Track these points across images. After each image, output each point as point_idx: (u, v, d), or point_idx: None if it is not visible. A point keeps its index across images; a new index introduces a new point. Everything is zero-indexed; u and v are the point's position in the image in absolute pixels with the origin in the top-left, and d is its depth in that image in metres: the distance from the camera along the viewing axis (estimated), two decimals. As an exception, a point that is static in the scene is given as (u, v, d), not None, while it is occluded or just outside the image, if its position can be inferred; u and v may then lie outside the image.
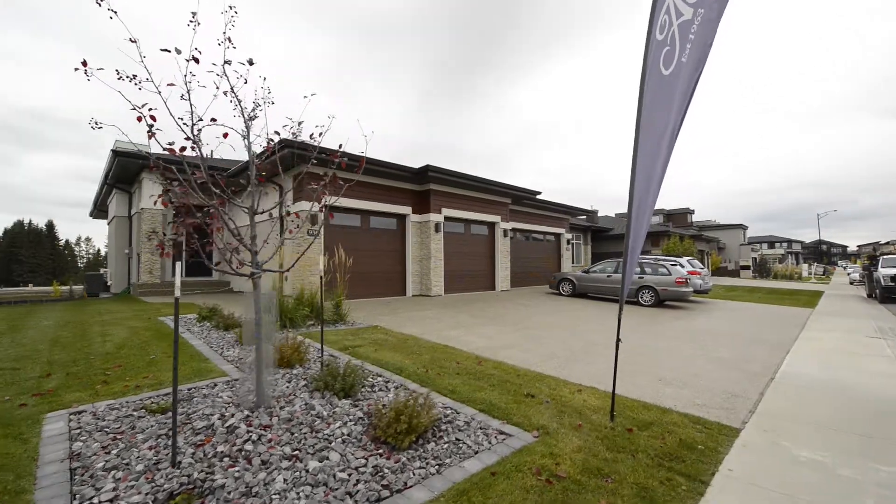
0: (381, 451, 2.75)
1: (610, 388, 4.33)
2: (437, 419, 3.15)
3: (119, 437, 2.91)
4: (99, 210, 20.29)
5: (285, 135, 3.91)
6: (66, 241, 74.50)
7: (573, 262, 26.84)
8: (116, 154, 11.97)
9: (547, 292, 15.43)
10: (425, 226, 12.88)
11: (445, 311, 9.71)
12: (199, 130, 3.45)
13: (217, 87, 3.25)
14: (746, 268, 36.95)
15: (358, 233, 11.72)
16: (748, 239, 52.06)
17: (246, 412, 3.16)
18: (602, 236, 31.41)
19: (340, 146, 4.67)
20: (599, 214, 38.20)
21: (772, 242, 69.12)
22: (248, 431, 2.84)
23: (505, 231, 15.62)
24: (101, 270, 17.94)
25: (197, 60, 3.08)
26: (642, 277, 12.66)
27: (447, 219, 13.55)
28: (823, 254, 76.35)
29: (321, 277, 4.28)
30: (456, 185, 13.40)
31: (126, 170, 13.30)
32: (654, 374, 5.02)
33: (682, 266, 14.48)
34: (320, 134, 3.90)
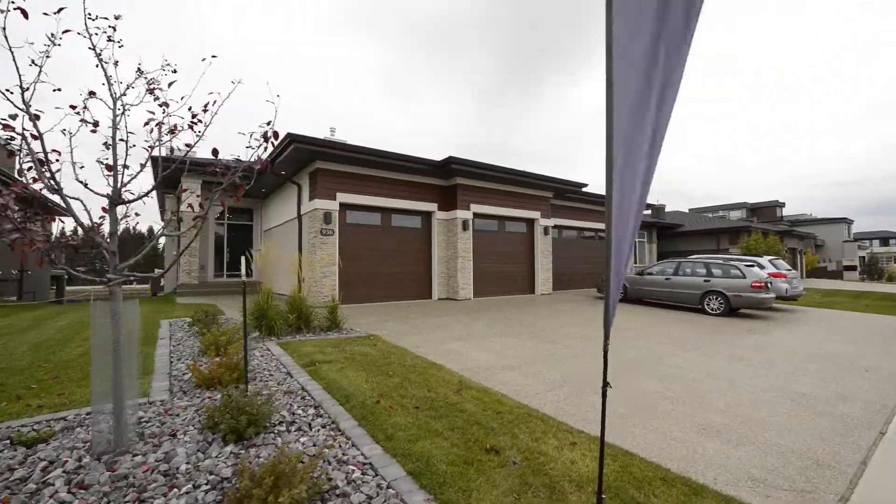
0: (211, 544, 1.85)
1: (625, 439, 3.10)
2: (319, 492, 2.19)
3: (-69, 484, 2.30)
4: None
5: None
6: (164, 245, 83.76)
7: (636, 262, 24.37)
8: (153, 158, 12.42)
9: (595, 297, 13.74)
10: (452, 223, 11.90)
11: (462, 318, 8.66)
12: (88, 107, 2.82)
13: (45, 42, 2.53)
14: (852, 268, 31.39)
15: (378, 232, 11.05)
16: (854, 235, 44.61)
17: (87, 460, 2.43)
18: (670, 234, 28.32)
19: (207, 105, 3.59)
20: (668, 209, 34.63)
21: (885, 238, 58.53)
22: (52, 496, 2.08)
23: (545, 228, 14.16)
24: (156, 271, 19.13)
25: (24, 13, 2.38)
26: (708, 281, 10.66)
27: (477, 216, 12.44)
28: (958, 252, 63.25)
29: (244, 284, 3.50)
30: (486, 179, 12.26)
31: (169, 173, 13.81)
32: (698, 417, 3.63)
33: (762, 267, 12.09)
34: (214, 103, 3.05)
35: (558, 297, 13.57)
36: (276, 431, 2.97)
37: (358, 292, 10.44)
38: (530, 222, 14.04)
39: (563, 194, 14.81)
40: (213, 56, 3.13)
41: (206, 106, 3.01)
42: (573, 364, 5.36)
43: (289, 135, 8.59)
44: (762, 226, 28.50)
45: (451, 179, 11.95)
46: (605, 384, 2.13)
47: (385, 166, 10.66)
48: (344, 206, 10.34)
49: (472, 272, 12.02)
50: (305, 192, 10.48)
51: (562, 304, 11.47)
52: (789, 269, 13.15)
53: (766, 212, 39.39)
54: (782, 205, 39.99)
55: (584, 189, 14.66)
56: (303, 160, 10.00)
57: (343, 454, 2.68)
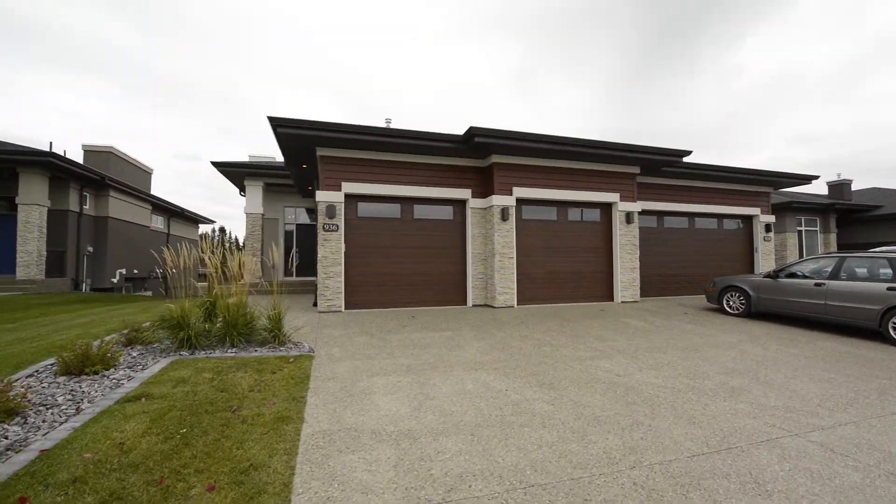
0: None
1: None
2: None
3: None
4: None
5: None
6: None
7: (802, 257, 18.04)
8: (214, 165, 13.13)
9: (704, 307, 9.92)
10: (488, 213, 9.67)
11: (465, 335, 6.56)
12: None
13: None
14: None
15: (397, 226, 9.50)
16: None
17: None
18: (857, 219, 20.46)
19: None
20: (858, 187, 25.28)
21: None
22: None
23: (628, 214, 10.74)
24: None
25: None
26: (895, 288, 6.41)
27: (524, 201, 9.93)
28: None
29: None
30: (536, 154, 9.66)
31: (236, 177, 14.63)
32: None
33: None
34: None
35: (646, 306, 10.13)
36: None
37: (368, 297, 9.09)
38: (606, 207, 10.81)
39: (658, 168, 11.10)
40: None
41: None
42: (526, 441, 3.01)
43: (269, 119, 7.67)
44: None
45: (487, 159, 9.74)
46: None
47: (406, 148, 9.08)
48: (352, 198, 9.08)
49: (516, 273, 9.59)
50: (318, 185, 9.57)
51: (637, 319, 8.30)
52: None
53: None
54: None
55: (686, 159, 10.76)
56: (308, 149, 9.07)
57: None
